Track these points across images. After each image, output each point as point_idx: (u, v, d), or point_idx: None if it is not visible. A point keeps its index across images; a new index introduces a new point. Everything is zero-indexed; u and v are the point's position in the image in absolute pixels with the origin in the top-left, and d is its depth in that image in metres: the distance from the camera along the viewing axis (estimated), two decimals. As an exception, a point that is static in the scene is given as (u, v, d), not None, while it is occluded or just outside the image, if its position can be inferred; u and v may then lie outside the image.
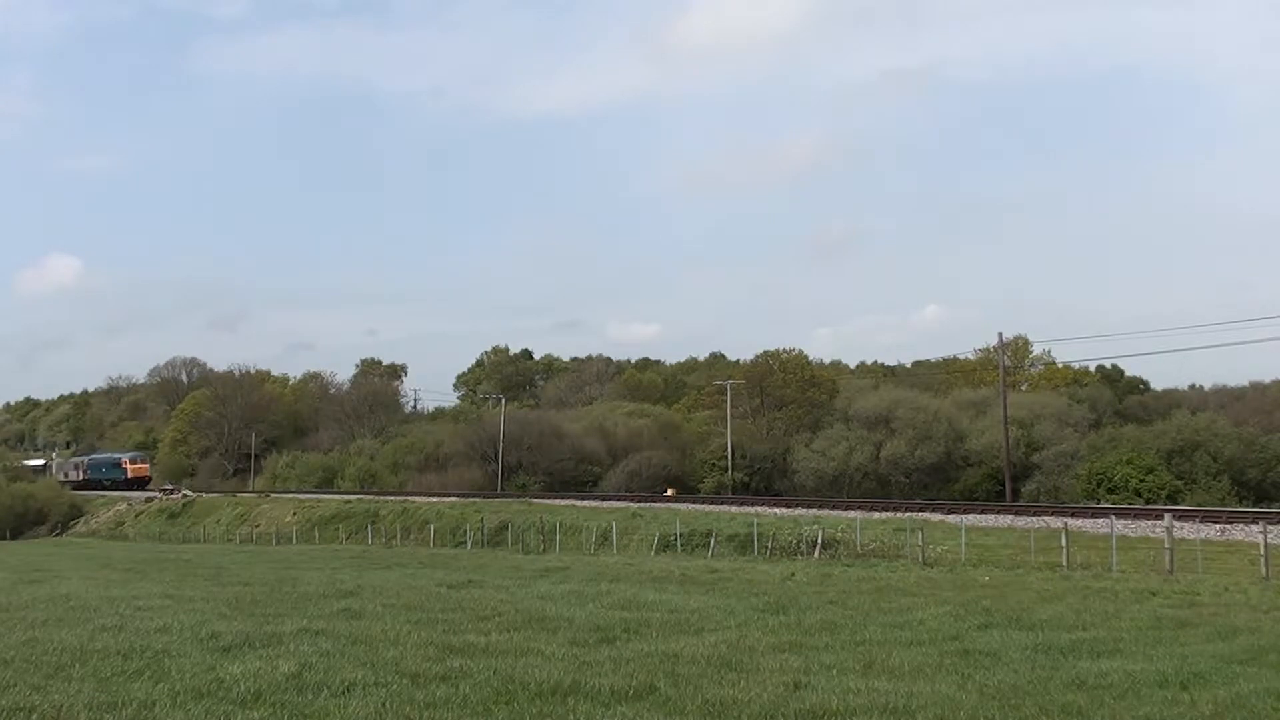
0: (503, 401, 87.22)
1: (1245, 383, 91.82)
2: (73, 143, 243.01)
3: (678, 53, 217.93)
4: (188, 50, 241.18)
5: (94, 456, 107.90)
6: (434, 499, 59.58)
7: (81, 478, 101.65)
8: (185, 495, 79.34)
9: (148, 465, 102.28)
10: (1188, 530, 29.41)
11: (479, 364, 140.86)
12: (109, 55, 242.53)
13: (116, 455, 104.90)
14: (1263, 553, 21.41)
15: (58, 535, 77.01)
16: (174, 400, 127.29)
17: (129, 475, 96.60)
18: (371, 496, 65.77)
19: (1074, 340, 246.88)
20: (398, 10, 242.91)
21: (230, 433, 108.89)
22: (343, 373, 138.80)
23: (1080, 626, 12.88)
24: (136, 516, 75.81)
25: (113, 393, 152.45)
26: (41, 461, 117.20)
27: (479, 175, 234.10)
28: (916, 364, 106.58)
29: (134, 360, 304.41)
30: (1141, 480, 51.49)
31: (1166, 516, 24.83)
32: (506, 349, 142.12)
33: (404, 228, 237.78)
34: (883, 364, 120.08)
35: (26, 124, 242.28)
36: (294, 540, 53.32)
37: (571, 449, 77.39)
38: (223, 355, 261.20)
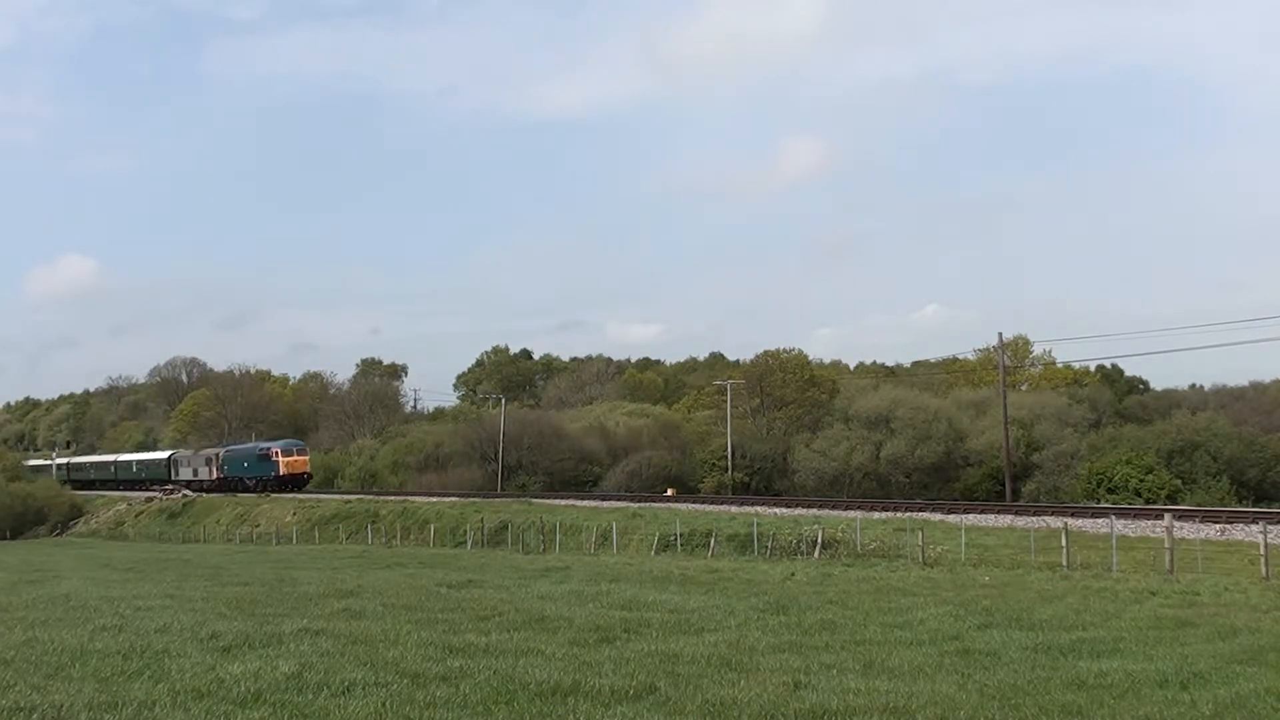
0: (503, 401, 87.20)
1: (1245, 383, 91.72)
2: (86, 144, 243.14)
3: (683, 57, 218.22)
4: (202, 52, 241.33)
5: (232, 448, 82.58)
6: (434, 499, 59.53)
7: (215, 477, 78.62)
8: (185, 495, 79.26)
9: (307, 458, 76.13)
10: (1188, 530, 29.38)
11: (479, 364, 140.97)
12: (124, 57, 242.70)
13: (264, 445, 78.58)
14: (1263, 553, 21.38)
15: (58, 535, 76.89)
16: (174, 400, 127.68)
17: (281, 472, 72.39)
18: (371, 496, 65.67)
19: (1074, 340, 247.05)
20: (409, 10, 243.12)
21: (230, 433, 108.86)
22: (345, 373, 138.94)
23: (1080, 626, 12.88)
24: (136, 516, 75.80)
25: (113, 393, 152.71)
26: (166, 454, 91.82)
27: (483, 176, 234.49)
28: (916, 364, 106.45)
29: (135, 360, 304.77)
30: (1141, 480, 51.45)
31: (1166, 516, 24.79)
32: (507, 349, 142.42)
33: (408, 227, 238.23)
34: (883, 364, 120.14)
35: (42, 126, 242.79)
36: (294, 540, 53.26)
37: (571, 449, 77.35)
38: (226, 356, 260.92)
